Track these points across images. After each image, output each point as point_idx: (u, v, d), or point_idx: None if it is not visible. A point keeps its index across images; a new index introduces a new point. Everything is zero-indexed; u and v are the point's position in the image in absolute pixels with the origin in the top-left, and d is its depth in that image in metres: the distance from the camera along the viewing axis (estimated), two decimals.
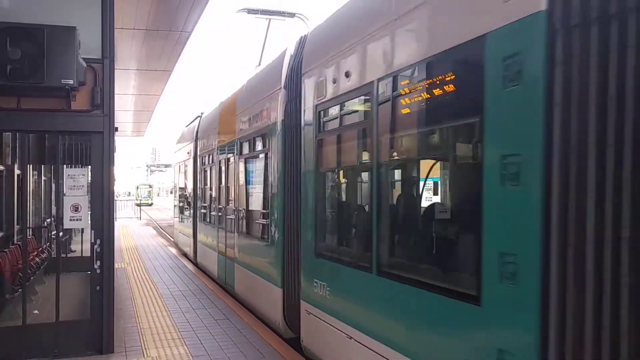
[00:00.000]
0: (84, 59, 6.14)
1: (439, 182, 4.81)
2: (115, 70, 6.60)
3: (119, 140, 8.05)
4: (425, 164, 4.53)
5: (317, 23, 6.55)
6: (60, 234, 7.65)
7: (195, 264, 13.63)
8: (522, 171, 2.98)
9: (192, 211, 14.44)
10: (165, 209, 44.33)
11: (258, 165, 8.53)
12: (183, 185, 16.70)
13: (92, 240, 6.34)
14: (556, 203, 2.79)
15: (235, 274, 9.45)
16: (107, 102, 6.37)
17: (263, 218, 7.89)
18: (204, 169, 12.96)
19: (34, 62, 5.73)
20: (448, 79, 3.78)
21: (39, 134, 7.63)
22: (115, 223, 7.00)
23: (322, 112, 5.80)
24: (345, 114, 5.47)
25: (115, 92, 6.55)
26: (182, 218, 16.73)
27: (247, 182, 9.16)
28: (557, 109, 2.78)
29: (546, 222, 2.83)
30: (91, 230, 6.38)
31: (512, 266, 3.04)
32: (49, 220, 12.57)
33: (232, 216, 9.65)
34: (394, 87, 4.38)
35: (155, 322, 7.88)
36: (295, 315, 6.53)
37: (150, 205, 53.42)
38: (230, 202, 10.03)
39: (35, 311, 7.26)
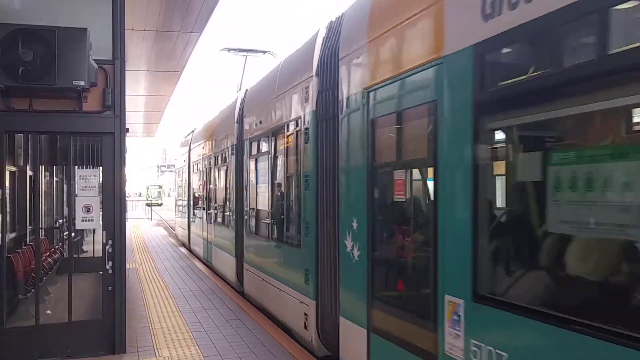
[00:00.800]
0: (94, 60, 6.15)
1: (290, 189, 7.63)
2: (126, 71, 6.62)
3: (129, 141, 8.13)
4: (285, 180, 7.75)
5: (258, 78, 9.82)
6: (72, 234, 7.68)
7: (190, 250, 17.43)
8: (310, 183, 6.38)
9: (187, 208, 18.16)
10: None
11: (224, 174, 12.05)
12: (181, 186, 20.18)
13: (104, 241, 6.37)
14: (320, 197, 6.14)
15: (212, 253, 13.23)
16: (118, 103, 6.38)
17: (226, 211, 11.72)
18: (194, 174, 16.96)
19: (45, 63, 5.74)
20: (294, 134, 7.06)
21: (51, 135, 7.68)
22: (127, 223, 7.01)
23: (252, 143, 9.46)
24: (260, 146, 9.08)
25: (126, 93, 6.56)
26: (180, 214, 20.62)
27: (218, 185, 12.97)
28: (320, 154, 6.14)
29: (318, 206, 6.19)
30: (103, 230, 6.41)
31: (308, 227, 6.43)
32: (61, 220, 12.65)
33: (209, 210, 13.66)
34: (277, 135, 7.93)
35: (167, 322, 7.91)
36: (242, 273, 10.08)
37: (160, 205, 53.66)
38: (208, 200, 14.00)
39: (48, 311, 7.30)
